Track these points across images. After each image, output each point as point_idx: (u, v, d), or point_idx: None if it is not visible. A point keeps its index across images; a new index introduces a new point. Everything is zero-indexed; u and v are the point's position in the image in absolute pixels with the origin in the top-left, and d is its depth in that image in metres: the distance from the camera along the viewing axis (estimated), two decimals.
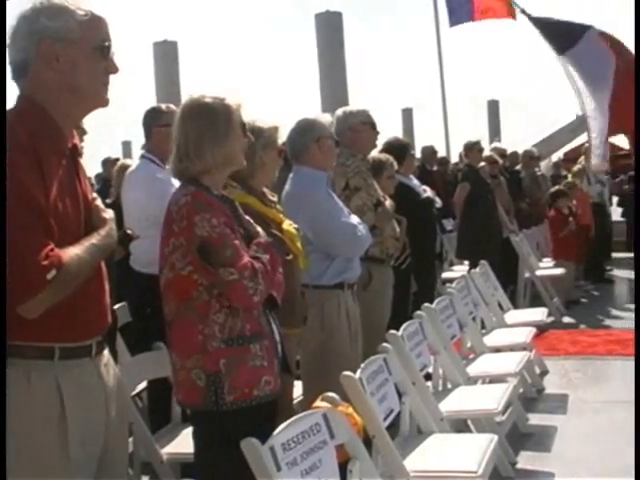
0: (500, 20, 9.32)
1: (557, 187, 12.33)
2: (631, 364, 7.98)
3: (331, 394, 3.66)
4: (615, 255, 15.52)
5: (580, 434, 6.10)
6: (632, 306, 11.30)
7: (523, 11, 8.53)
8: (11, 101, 2.62)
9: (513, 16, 8.54)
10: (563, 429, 6.20)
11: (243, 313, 3.23)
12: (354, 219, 4.99)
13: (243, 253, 3.19)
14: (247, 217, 3.46)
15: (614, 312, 10.98)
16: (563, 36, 8.37)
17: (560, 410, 6.68)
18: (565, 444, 5.90)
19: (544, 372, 7.68)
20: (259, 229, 3.45)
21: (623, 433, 5.97)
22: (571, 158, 16.08)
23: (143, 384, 4.93)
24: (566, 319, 10.42)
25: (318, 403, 3.62)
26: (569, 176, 13.60)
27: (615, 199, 17.12)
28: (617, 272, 14.51)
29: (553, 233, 11.80)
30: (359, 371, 3.98)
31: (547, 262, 11.80)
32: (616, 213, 16.41)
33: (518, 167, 12.84)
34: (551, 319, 9.70)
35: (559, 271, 11.09)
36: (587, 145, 8.57)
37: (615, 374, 7.98)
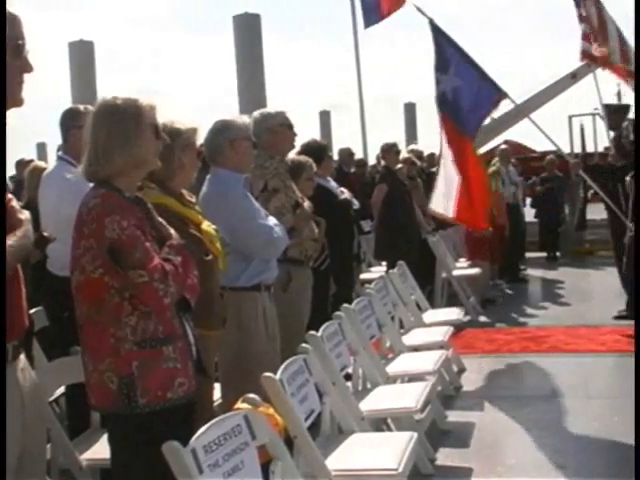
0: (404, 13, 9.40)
1: None
2: (544, 360, 8.25)
3: (252, 395, 3.65)
4: (529, 255, 15.86)
5: (497, 429, 6.24)
6: (546, 304, 11.63)
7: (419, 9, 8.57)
8: None
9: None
10: (480, 425, 6.31)
11: (155, 315, 3.20)
12: (271, 221, 4.99)
13: (154, 255, 3.16)
14: (160, 219, 3.42)
15: (529, 310, 11.22)
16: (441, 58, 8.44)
17: (477, 407, 6.80)
18: (483, 440, 6.01)
19: (461, 370, 7.80)
20: (172, 231, 3.42)
21: (538, 427, 6.15)
22: (485, 160, 16.33)
23: (61, 389, 4.85)
24: (482, 318, 10.60)
25: (239, 405, 3.61)
26: None
27: (528, 200, 17.46)
28: (531, 271, 14.83)
29: (469, 234, 11.97)
30: (279, 372, 3.98)
31: (463, 262, 11.98)
32: (529, 214, 16.76)
33: (435, 169, 12.99)
34: (468, 318, 9.86)
35: (475, 271, 11.27)
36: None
37: (530, 370, 8.14)
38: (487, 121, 16.93)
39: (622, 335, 8.87)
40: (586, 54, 9.62)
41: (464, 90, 8.19)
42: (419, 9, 8.46)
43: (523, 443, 5.88)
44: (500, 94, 8.30)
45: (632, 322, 8.94)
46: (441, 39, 8.29)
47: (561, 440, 5.88)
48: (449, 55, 8.25)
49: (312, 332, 4.92)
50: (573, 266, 15.77)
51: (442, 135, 8.26)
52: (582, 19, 9.44)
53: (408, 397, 5.25)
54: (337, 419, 4.68)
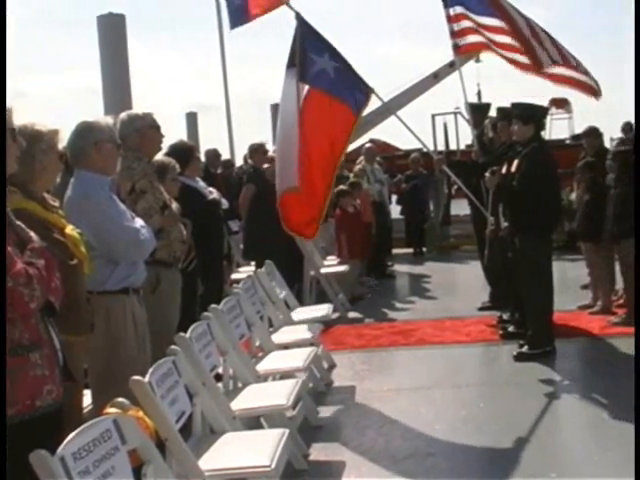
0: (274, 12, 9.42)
1: (341, 186, 12.67)
2: (413, 353, 8.45)
3: (120, 399, 3.62)
4: (395, 251, 16.18)
5: (367, 422, 6.34)
6: (413, 298, 11.90)
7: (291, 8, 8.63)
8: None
9: (285, 2, 8.66)
10: (352, 419, 6.41)
11: (20, 322, 3.12)
12: (137, 222, 4.95)
13: (16, 259, 3.07)
14: (18, 222, 3.34)
15: (396, 305, 11.45)
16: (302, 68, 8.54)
17: (348, 401, 6.90)
18: (354, 433, 6.11)
19: (332, 366, 7.90)
20: (32, 234, 3.34)
21: (408, 419, 6.30)
22: (352, 158, 16.55)
23: None
24: (351, 314, 10.74)
25: (108, 409, 3.56)
26: (351, 175, 13.99)
27: (394, 197, 17.79)
28: (398, 267, 15.13)
29: (338, 231, 12.13)
30: (148, 375, 3.94)
31: (332, 260, 12.12)
32: (395, 211, 17.08)
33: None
34: (337, 315, 9.99)
35: (343, 268, 11.43)
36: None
37: (399, 364, 8.33)
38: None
39: (486, 325, 9.20)
40: (462, 48, 9.88)
41: (344, 72, 8.36)
42: (289, 4, 8.52)
43: (395, 434, 6.03)
44: (368, 90, 8.49)
45: (495, 312, 9.35)
46: (308, 35, 8.42)
47: (431, 429, 6.04)
48: (320, 45, 8.40)
49: (181, 333, 4.90)
50: (438, 261, 16.19)
51: (302, 116, 8.30)
52: (450, 19, 9.69)
53: (279, 394, 5.29)
54: (208, 419, 4.68)
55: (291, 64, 8.44)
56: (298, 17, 8.56)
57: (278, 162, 8.68)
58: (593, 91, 9.45)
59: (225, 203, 9.04)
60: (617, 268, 9.43)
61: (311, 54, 8.39)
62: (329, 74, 8.39)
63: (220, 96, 16.49)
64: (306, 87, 8.37)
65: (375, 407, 6.73)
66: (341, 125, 8.44)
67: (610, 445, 5.62)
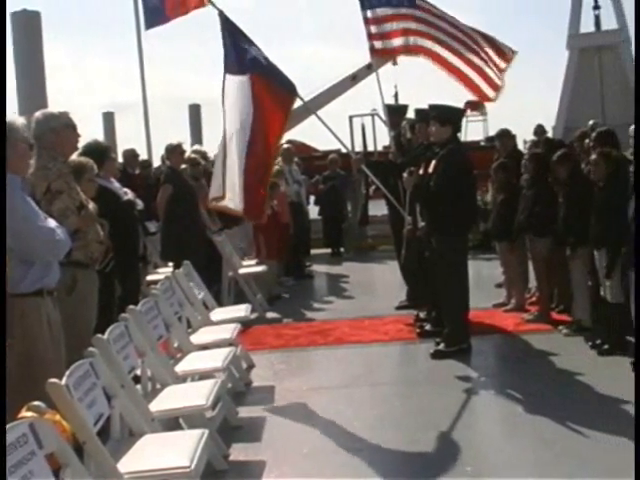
0: (193, 12, 9.35)
1: None
2: (331, 352, 8.51)
3: (37, 403, 3.57)
4: (314, 251, 16.25)
5: (287, 422, 6.37)
6: (331, 298, 11.98)
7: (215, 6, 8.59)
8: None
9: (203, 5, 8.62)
10: (271, 419, 6.43)
11: None
12: (51, 223, 4.87)
13: None
14: None
15: (315, 305, 11.51)
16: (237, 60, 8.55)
17: (267, 401, 6.91)
18: (274, 432, 6.13)
19: (251, 366, 7.91)
20: None
21: (327, 417, 6.36)
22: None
23: None
24: (270, 314, 10.76)
25: (23, 413, 3.51)
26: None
27: (312, 198, 17.85)
28: (316, 267, 15.20)
29: (256, 232, 12.14)
30: (65, 377, 3.89)
31: (250, 260, 12.11)
32: (313, 212, 17.16)
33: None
34: (255, 315, 9.98)
35: (261, 269, 11.43)
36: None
37: (317, 363, 8.37)
38: None
39: (404, 324, 9.32)
40: (378, 51, 9.96)
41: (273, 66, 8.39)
42: (211, 2, 8.49)
43: (315, 432, 6.07)
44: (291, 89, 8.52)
45: (412, 311, 9.47)
46: (228, 34, 8.40)
47: (350, 426, 6.09)
48: (247, 39, 8.39)
49: (98, 335, 4.85)
50: (357, 261, 16.32)
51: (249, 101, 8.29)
52: (367, 22, 9.76)
53: (198, 395, 5.27)
54: (127, 422, 4.64)
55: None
56: (221, 15, 8.54)
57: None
58: (486, 96, 9.64)
59: (140, 204, 8.95)
60: (530, 267, 9.66)
61: (243, 45, 8.38)
62: (261, 61, 8.39)
63: (138, 96, 16.32)
64: (246, 76, 8.35)
65: (294, 406, 6.76)
66: (279, 105, 8.43)
67: (524, 438, 5.78)
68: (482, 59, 9.45)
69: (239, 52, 8.31)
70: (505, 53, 9.40)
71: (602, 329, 7.90)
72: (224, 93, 8.22)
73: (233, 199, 7.99)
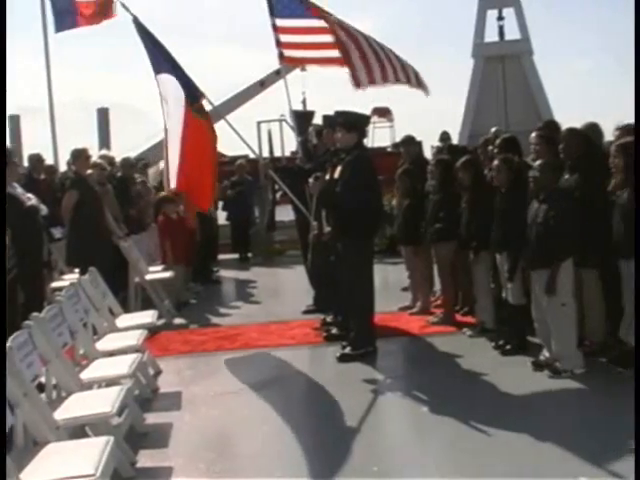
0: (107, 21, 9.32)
1: (163, 193, 12.59)
2: (238, 357, 8.51)
3: None
4: (221, 257, 16.21)
5: (194, 427, 6.36)
6: (238, 303, 11.98)
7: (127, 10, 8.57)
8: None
9: (111, 15, 8.60)
10: (178, 424, 6.39)
11: None
12: None
13: None
14: None
15: (222, 310, 11.49)
16: (156, 60, 8.58)
17: (175, 407, 6.87)
18: (181, 438, 6.10)
19: (158, 372, 7.85)
20: None
21: (235, 422, 6.39)
22: None
23: None
24: (177, 320, 10.68)
25: None
26: None
27: (220, 203, 17.79)
28: (224, 273, 15.16)
29: (162, 238, 12.04)
30: None
31: (157, 266, 12.00)
32: (221, 217, 17.10)
33: (120, 173, 12.86)
34: (163, 321, 9.92)
35: (168, 274, 11.34)
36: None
37: (224, 368, 8.32)
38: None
39: (311, 328, 9.38)
40: (287, 59, 10.01)
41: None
42: (124, 6, 8.45)
43: (223, 437, 6.10)
44: (199, 93, 8.55)
45: (319, 315, 9.54)
46: (145, 37, 8.41)
47: (258, 430, 6.13)
48: (157, 51, 8.41)
49: None
50: (264, 266, 16.35)
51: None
52: (276, 29, 9.81)
53: (103, 402, 5.22)
54: (31, 431, 4.57)
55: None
56: (135, 21, 8.54)
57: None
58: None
59: (45, 209, 8.80)
60: (435, 270, 9.83)
61: (157, 47, 8.43)
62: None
63: (44, 99, 15.96)
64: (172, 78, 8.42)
65: (202, 411, 6.74)
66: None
67: (430, 437, 5.92)
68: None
69: (159, 53, 8.37)
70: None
71: (504, 330, 8.11)
72: (161, 92, 8.29)
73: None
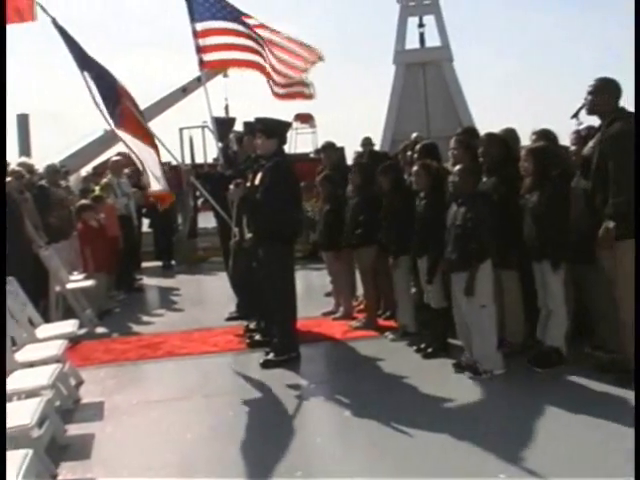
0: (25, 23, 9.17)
1: (83, 201, 12.46)
2: (162, 365, 8.46)
3: None
4: (145, 264, 16.08)
5: (117, 437, 6.29)
6: (161, 311, 11.90)
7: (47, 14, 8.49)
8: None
9: (34, 18, 8.49)
10: (101, 435, 6.32)
11: None
12: None
13: None
14: None
15: (145, 318, 11.41)
16: (79, 57, 8.55)
17: (97, 417, 6.78)
18: (104, 449, 6.03)
19: (80, 382, 7.75)
20: None
21: (159, 431, 6.33)
22: (100, 172, 16.31)
23: None
24: (99, 329, 10.56)
25: None
26: (97, 189, 13.78)
27: (142, 210, 17.63)
28: (147, 280, 15.04)
29: (83, 246, 11.90)
30: None
31: (78, 275, 11.85)
32: (144, 224, 16.97)
33: (44, 182, 12.67)
34: (84, 330, 9.80)
35: (90, 283, 11.21)
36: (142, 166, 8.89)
37: (148, 377, 8.30)
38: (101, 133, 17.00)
39: (234, 335, 9.38)
40: (207, 63, 10.00)
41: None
42: (43, 8, 8.35)
43: (146, 447, 6.02)
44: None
45: (243, 322, 9.53)
46: (67, 38, 8.37)
47: (182, 439, 6.09)
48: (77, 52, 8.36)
49: None
50: (187, 273, 16.28)
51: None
52: (196, 35, 9.79)
53: (22, 414, 5.13)
54: None
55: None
56: (54, 23, 8.47)
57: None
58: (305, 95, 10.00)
59: None
60: (358, 275, 9.92)
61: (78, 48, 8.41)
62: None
63: None
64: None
65: (125, 421, 6.68)
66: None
67: (353, 441, 5.96)
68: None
69: (81, 54, 8.35)
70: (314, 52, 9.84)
71: (426, 333, 8.23)
72: (90, 90, 8.26)
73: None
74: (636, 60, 6.90)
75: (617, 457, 5.10)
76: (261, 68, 9.86)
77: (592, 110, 6.75)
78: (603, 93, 6.63)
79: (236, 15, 9.80)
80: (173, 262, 17.37)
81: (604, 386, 6.52)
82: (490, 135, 7.85)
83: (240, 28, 9.76)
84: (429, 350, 7.94)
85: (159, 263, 17.17)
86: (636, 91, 6.79)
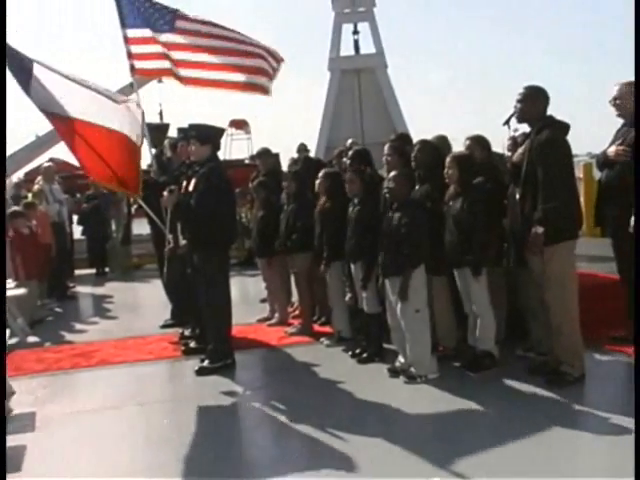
0: None
1: (14, 207, 12.27)
2: (96, 374, 8.38)
3: None
4: (78, 272, 15.89)
5: (50, 449, 6.18)
6: (95, 319, 11.77)
7: None
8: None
9: None
10: (33, 446, 6.20)
11: None
12: None
13: None
14: None
15: (78, 327, 11.27)
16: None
17: (29, 428, 6.66)
18: (36, 461, 5.92)
19: (11, 393, 7.60)
20: None
21: (93, 441, 6.26)
22: (31, 178, 16.10)
23: None
24: (31, 338, 10.39)
25: None
26: (29, 196, 13.60)
27: (75, 218, 17.45)
28: (80, 288, 14.87)
29: (14, 253, 11.70)
30: None
31: (10, 283, 11.64)
32: (77, 231, 16.79)
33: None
34: (16, 340, 9.65)
35: (21, 291, 11.01)
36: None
37: (81, 386, 8.18)
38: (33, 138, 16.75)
39: (169, 342, 9.33)
40: (138, 70, 9.93)
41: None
42: None
43: (80, 457, 5.94)
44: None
45: (177, 329, 9.48)
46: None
47: (117, 448, 6.04)
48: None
49: None
50: (122, 280, 16.15)
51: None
52: (128, 40, 9.71)
53: None
54: None
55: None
56: None
57: None
58: (263, 90, 10.04)
59: None
60: (292, 281, 9.94)
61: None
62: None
63: None
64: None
65: (58, 432, 6.58)
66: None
67: (289, 445, 5.97)
68: (257, 57, 9.82)
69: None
70: (274, 55, 9.90)
71: (361, 338, 8.29)
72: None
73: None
74: (636, 59, 7.07)
75: (548, 456, 5.22)
76: (193, 82, 9.88)
77: (521, 118, 6.89)
78: (531, 101, 6.78)
79: (170, 23, 9.76)
80: (107, 269, 17.21)
81: (535, 388, 6.65)
82: (422, 142, 7.93)
83: (175, 40, 9.74)
84: (364, 355, 7.99)
85: (92, 270, 17.00)
86: (636, 91, 6.95)
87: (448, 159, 7.34)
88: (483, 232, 7.04)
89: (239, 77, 9.89)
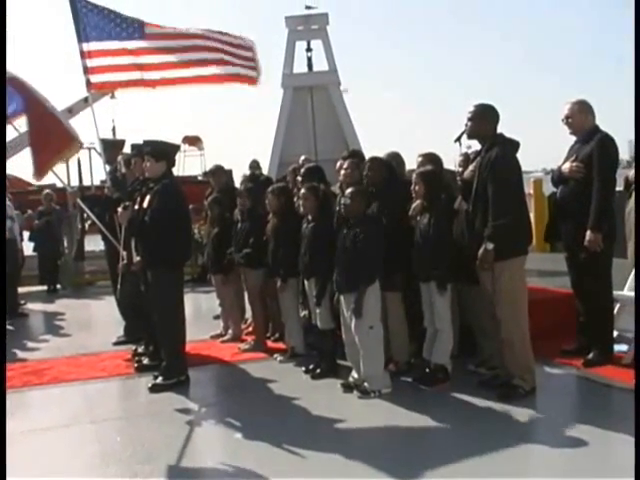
0: None
1: None
2: (48, 392, 8.28)
3: None
4: (29, 289, 15.73)
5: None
6: (47, 337, 11.65)
7: None
8: None
9: None
10: None
11: None
12: None
13: None
14: None
15: (29, 344, 11.13)
16: None
17: None
18: None
19: None
20: None
21: (44, 460, 6.21)
22: None
23: None
24: None
25: None
26: None
27: (26, 234, 17.29)
28: (31, 305, 14.71)
29: None
30: None
31: None
32: (28, 248, 16.62)
33: None
34: None
35: None
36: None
37: (33, 404, 8.08)
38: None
39: (122, 359, 9.27)
40: (95, 84, 9.91)
41: None
42: None
43: (34, 476, 5.87)
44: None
45: (131, 346, 9.43)
46: None
47: (68, 467, 5.99)
48: None
49: None
50: (74, 297, 16.02)
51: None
52: (83, 55, 9.69)
53: None
54: None
55: None
56: None
57: None
58: (251, 80, 10.13)
59: None
60: (246, 297, 9.94)
61: None
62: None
63: None
64: None
65: (9, 451, 6.39)
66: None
67: (244, 463, 5.91)
68: (229, 53, 9.89)
69: None
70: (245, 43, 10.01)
71: (314, 354, 8.33)
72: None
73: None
74: (636, 60, 7.19)
75: (502, 469, 5.29)
76: (167, 82, 9.91)
77: (472, 135, 7.01)
78: (481, 119, 6.89)
79: (139, 31, 9.78)
80: (58, 286, 17.05)
81: (488, 401, 6.75)
82: (372, 159, 7.99)
83: (146, 45, 9.76)
84: (317, 371, 8.03)
85: (44, 287, 16.83)
86: (636, 90, 7.09)
87: (415, 175, 7.43)
88: (450, 247, 7.15)
89: (216, 70, 9.97)
